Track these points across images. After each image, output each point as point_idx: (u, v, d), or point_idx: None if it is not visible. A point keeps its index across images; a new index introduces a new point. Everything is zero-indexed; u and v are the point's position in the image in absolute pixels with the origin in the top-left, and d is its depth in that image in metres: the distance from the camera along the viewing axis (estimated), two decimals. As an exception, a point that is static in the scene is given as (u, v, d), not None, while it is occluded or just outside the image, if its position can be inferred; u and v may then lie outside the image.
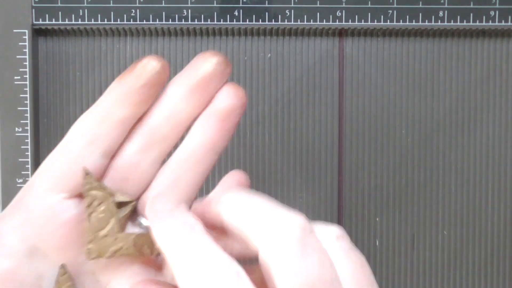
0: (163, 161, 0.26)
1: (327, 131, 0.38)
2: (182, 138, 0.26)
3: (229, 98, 0.26)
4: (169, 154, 0.27)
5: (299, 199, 0.39)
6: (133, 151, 0.26)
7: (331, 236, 0.21)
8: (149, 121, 0.26)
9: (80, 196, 0.25)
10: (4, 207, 0.37)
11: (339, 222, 0.39)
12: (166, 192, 0.26)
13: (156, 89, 0.26)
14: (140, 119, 0.26)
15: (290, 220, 0.20)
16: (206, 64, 0.26)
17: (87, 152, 0.25)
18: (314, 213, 0.39)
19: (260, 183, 0.39)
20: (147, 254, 0.25)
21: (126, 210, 0.26)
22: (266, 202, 0.21)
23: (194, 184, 0.26)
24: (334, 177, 0.39)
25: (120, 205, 0.25)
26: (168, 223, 0.22)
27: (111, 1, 0.37)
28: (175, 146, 0.26)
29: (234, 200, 0.22)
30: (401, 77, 0.39)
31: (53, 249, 0.25)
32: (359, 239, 0.39)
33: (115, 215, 0.25)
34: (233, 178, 0.28)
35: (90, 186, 0.25)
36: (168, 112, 0.26)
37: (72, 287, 0.25)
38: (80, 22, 0.37)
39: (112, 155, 0.26)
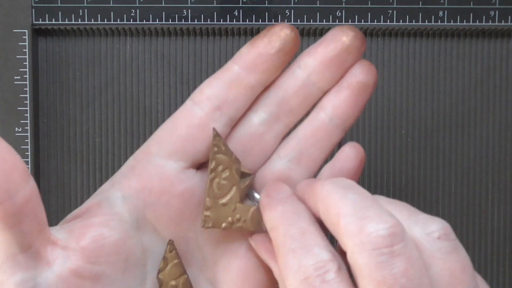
0: (286, 135, 0.25)
1: (327, 131, 0.39)
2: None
3: (363, 73, 0.25)
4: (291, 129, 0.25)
5: (299, 199, 0.39)
6: (258, 122, 0.25)
7: (432, 236, 0.20)
8: (278, 91, 0.25)
9: (197, 166, 0.24)
10: (4, 207, 0.37)
11: (339, 222, 0.39)
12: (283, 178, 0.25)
13: (288, 57, 0.25)
14: (266, 89, 0.25)
15: (379, 226, 0.19)
16: (343, 38, 0.24)
17: (212, 117, 0.24)
18: (314, 213, 0.39)
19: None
20: (265, 230, 0.24)
21: (245, 182, 0.24)
22: (360, 202, 0.20)
23: (317, 161, 0.25)
24: (334, 177, 0.39)
25: (242, 175, 0.24)
26: (278, 211, 0.22)
27: (111, 1, 0.37)
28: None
29: (329, 195, 0.21)
30: (401, 77, 0.39)
31: (163, 222, 0.24)
32: (359, 239, 0.39)
33: (238, 184, 0.24)
34: (353, 149, 0.25)
35: (218, 149, 0.23)
36: (300, 84, 0.25)
37: (180, 265, 0.24)
38: (80, 22, 0.37)
39: (234, 124, 0.25)
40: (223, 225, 0.24)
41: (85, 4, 0.37)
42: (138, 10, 0.37)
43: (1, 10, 0.36)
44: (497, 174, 0.39)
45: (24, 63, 0.37)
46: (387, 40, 0.39)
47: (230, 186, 0.24)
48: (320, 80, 0.25)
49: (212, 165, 0.23)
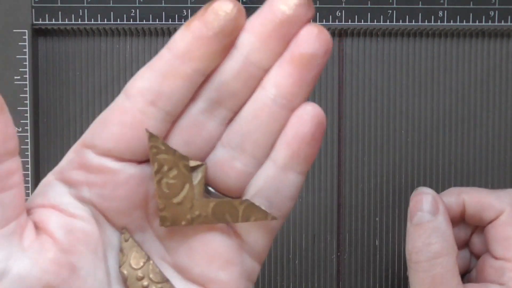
0: (231, 120, 0.23)
1: (327, 131, 0.39)
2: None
3: (308, 43, 0.21)
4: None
5: (299, 199, 0.39)
6: (198, 111, 0.22)
7: None
8: (216, 76, 0.22)
9: (137, 161, 0.22)
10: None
11: (339, 222, 0.39)
12: None
13: (230, 40, 0.21)
14: (209, 76, 0.22)
15: None
16: (283, 6, 0.21)
17: (146, 114, 0.21)
18: (314, 213, 0.39)
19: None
20: (230, 222, 0.22)
21: (198, 175, 0.22)
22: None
23: (263, 147, 0.22)
24: (334, 177, 0.39)
25: (191, 169, 0.22)
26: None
27: (111, 1, 0.37)
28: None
29: (470, 189, 0.33)
30: (401, 77, 0.39)
31: (113, 213, 0.22)
32: (359, 239, 0.39)
33: (190, 180, 0.22)
34: (306, 111, 0.22)
35: (157, 150, 0.21)
36: (238, 65, 0.22)
37: (140, 252, 0.22)
38: (80, 22, 0.37)
39: (175, 119, 0.22)
40: (183, 222, 0.22)
41: (85, 4, 0.37)
42: (138, 10, 0.37)
43: (1, 10, 0.36)
44: (496, 174, 0.39)
45: (24, 63, 0.37)
46: (387, 40, 0.39)
47: (182, 184, 0.22)
48: (261, 58, 0.22)
49: (155, 167, 0.21)
